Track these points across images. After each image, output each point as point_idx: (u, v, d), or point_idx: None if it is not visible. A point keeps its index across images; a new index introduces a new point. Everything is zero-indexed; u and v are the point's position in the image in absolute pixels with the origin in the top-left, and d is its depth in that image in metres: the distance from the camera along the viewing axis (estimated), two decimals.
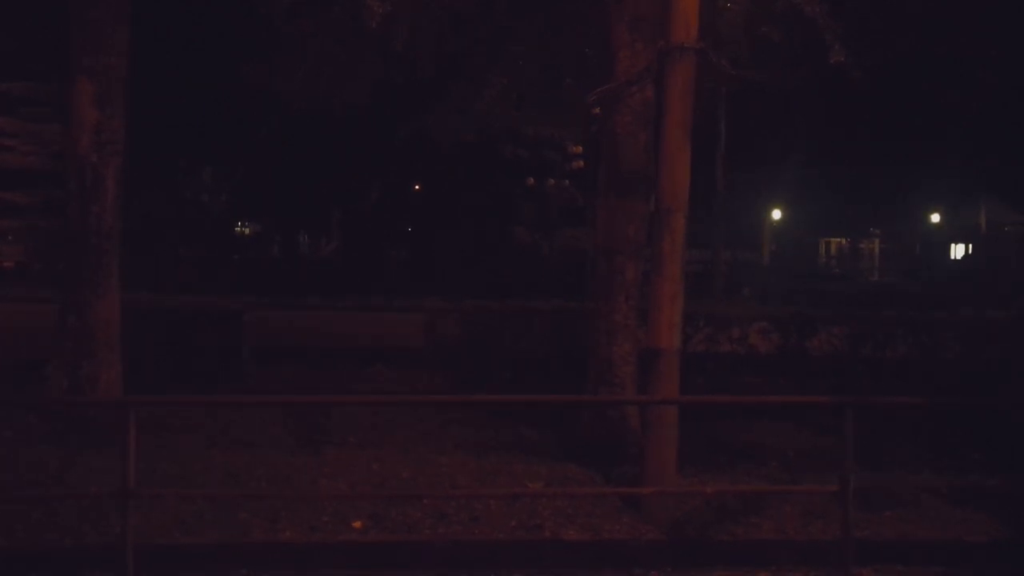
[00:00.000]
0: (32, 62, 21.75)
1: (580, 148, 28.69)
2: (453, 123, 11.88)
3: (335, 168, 33.63)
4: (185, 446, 7.87)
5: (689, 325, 10.53)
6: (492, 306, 12.05)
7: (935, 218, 43.79)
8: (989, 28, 10.01)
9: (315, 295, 28.97)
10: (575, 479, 7.21)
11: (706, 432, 8.36)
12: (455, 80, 11.47)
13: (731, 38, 9.29)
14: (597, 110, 7.83)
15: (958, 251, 43.25)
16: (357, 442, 8.28)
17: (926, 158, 37.14)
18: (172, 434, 8.25)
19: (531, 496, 6.61)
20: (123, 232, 8.54)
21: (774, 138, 36.51)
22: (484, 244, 36.68)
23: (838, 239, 49.06)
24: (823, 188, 42.22)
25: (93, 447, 7.39)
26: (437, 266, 34.23)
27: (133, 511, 5.32)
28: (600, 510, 6.40)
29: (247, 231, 46.76)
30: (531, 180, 33.88)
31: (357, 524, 6.10)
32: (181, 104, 27.56)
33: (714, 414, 9.02)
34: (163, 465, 7.15)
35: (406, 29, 9.43)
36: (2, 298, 24.60)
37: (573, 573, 5.76)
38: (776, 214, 43.72)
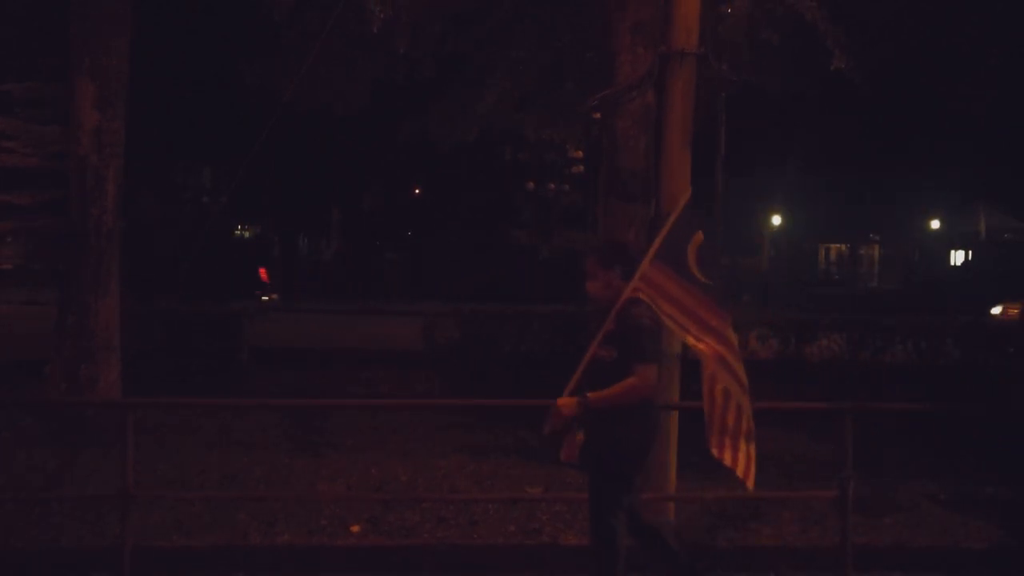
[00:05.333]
0: (33, 63, 21.70)
1: (580, 152, 28.72)
2: (453, 125, 11.88)
3: (335, 170, 33.66)
4: (184, 448, 7.87)
5: None
6: (491, 309, 12.02)
7: (935, 224, 43.76)
8: (988, 37, 10.04)
9: (314, 298, 29.05)
10: (573, 483, 7.19)
11: (705, 438, 8.33)
12: (456, 83, 11.48)
13: (732, 43, 9.29)
14: (597, 114, 7.81)
15: (958, 257, 43.22)
16: (355, 445, 8.26)
17: (926, 164, 37.14)
18: (171, 436, 8.25)
19: (530, 501, 6.60)
20: (122, 233, 8.53)
21: (774, 144, 36.53)
22: (483, 247, 36.68)
23: (838, 245, 49.01)
24: (823, 194, 42.18)
25: (91, 448, 7.39)
26: (436, 269, 34.25)
27: (131, 513, 5.31)
28: None
29: (247, 234, 46.68)
30: (531, 183, 33.88)
31: (355, 528, 6.08)
32: (181, 105, 27.54)
33: None
34: (161, 467, 7.15)
35: (407, 33, 9.45)
36: (1, 300, 24.65)
37: None
38: (775, 220, 43.70)
